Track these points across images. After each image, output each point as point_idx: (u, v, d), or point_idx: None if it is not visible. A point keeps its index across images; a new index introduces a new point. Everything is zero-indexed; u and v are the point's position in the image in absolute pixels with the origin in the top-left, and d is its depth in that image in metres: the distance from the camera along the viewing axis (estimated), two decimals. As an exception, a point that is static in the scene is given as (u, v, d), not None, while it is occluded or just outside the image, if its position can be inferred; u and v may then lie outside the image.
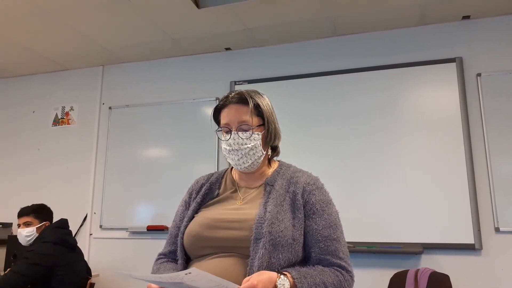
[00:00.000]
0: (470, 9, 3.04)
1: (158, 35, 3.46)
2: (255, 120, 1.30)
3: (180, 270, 1.25)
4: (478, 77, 3.04)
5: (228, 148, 1.30)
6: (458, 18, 3.17)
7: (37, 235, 2.65)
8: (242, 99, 1.30)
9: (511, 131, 2.90)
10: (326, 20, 3.22)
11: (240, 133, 1.29)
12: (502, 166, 2.88)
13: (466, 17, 3.15)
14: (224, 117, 1.32)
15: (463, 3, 2.96)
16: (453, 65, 3.08)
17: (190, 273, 1.00)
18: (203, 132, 3.59)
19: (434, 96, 3.08)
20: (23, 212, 2.69)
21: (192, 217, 1.32)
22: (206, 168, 3.39)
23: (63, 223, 2.72)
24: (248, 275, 1.10)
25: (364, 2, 2.96)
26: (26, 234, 2.65)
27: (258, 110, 1.31)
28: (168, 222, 3.42)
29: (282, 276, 1.10)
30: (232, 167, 1.42)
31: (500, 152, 2.90)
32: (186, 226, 1.30)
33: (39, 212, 2.70)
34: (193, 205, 1.35)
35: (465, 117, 2.99)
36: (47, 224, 2.69)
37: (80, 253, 2.75)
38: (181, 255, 1.28)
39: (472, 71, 3.07)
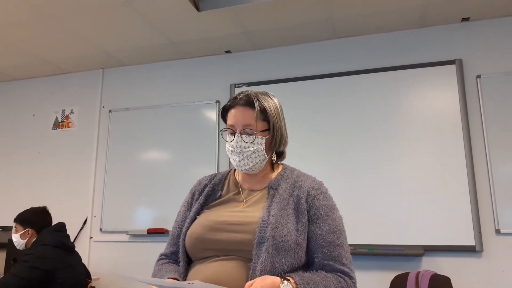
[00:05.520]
0: (469, 11, 3.05)
1: (158, 38, 3.46)
2: (260, 125, 1.29)
3: (182, 272, 1.24)
4: (478, 79, 3.04)
5: (230, 149, 1.30)
6: (458, 20, 3.17)
7: (22, 241, 2.65)
8: (249, 102, 1.29)
9: (511, 132, 2.90)
10: (326, 23, 3.22)
11: (243, 136, 1.28)
12: (502, 168, 2.88)
13: (466, 19, 3.15)
14: (230, 118, 1.31)
15: (463, 5, 2.97)
16: (453, 67, 3.08)
17: (193, 283, 1.00)
18: (203, 135, 3.59)
19: (434, 98, 3.09)
20: (15, 218, 2.72)
21: (194, 219, 1.31)
22: (206, 171, 3.37)
23: (61, 226, 2.71)
24: (251, 279, 1.09)
25: (363, 5, 2.96)
26: (14, 239, 2.68)
27: (264, 115, 1.29)
28: (169, 225, 3.42)
29: (285, 281, 1.09)
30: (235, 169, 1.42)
31: (501, 154, 2.90)
32: (188, 228, 1.29)
33: (23, 221, 2.69)
34: (195, 206, 1.34)
35: (465, 119, 2.99)
36: (29, 231, 2.66)
37: (78, 256, 2.74)
38: (182, 257, 1.27)
39: (471, 73, 3.08)
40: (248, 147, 1.28)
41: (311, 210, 1.24)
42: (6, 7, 2.95)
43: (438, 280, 2.59)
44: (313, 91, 3.38)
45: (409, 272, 2.71)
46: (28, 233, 2.65)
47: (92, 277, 3.07)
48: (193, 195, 1.40)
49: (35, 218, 2.69)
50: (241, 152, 1.28)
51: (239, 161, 1.29)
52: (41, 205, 2.82)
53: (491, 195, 2.86)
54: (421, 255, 2.85)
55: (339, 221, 1.26)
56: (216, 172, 1.48)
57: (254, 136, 1.28)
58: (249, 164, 1.29)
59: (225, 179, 1.41)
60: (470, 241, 2.80)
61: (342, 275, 1.18)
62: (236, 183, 1.37)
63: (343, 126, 3.25)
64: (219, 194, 1.36)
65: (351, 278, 1.19)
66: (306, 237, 1.21)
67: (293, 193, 1.27)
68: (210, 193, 1.37)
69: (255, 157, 1.29)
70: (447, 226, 2.86)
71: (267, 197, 1.28)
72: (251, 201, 1.30)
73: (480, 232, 2.81)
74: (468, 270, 2.81)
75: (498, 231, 2.81)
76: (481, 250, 2.80)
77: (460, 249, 2.82)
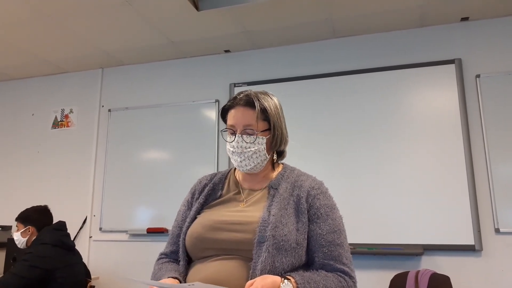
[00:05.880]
0: (468, 11, 3.05)
1: (157, 38, 3.46)
2: (261, 125, 1.29)
3: (182, 271, 1.24)
4: (477, 78, 3.05)
5: (231, 149, 1.30)
6: (457, 20, 3.18)
7: (23, 239, 2.65)
8: (249, 102, 1.29)
9: (510, 132, 2.91)
10: (325, 22, 3.22)
11: (244, 136, 1.28)
12: (501, 167, 2.88)
13: (465, 19, 3.16)
14: (231, 118, 1.31)
15: (462, 5, 2.97)
16: (452, 67, 3.09)
17: (193, 285, 1.01)
18: (203, 134, 3.59)
19: (434, 98, 3.09)
20: (16, 217, 2.73)
21: (194, 218, 1.31)
22: (206, 170, 3.39)
23: (61, 225, 2.71)
24: (251, 279, 1.09)
25: (363, 5, 2.96)
26: (15, 238, 2.68)
27: (264, 115, 1.29)
28: (168, 225, 3.42)
29: (285, 280, 1.09)
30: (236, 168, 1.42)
31: (500, 153, 2.90)
32: (188, 227, 1.29)
33: (24, 219, 2.69)
34: (195, 206, 1.34)
35: (465, 118, 3.00)
36: (30, 229, 2.66)
37: (78, 255, 2.74)
38: (182, 256, 1.27)
39: (471, 73, 3.08)
40: (249, 148, 1.28)
41: (311, 209, 1.24)
42: (6, 7, 2.94)
43: (437, 279, 2.59)
44: (312, 91, 3.38)
45: (408, 271, 2.72)
46: (29, 231, 2.65)
47: (92, 276, 3.07)
48: (193, 194, 1.40)
49: (36, 216, 2.70)
50: (242, 153, 1.28)
51: (241, 161, 1.29)
52: (41, 204, 2.82)
53: (491, 194, 2.86)
54: (420, 254, 2.86)
55: (339, 221, 1.26)
56: (216, 171, 1.48)
57: (255, 136, 1.28)
58: (250, 165, 1.29)
59: (225, 178, 1.41)
60: (470, 240, 2.80)
61: (342, 275, 1.18)
62: (237, 183, 1.37)
63: (343, 125, 3.25)
64: (219, 193, 1.36)
65: (351, 277, 1.20)
66: (306, 236, 1.21)
67: (294, 192, 1.27)
68: (211, 193, 1.37)
69: (256, 157, 1.29)
70: (447, 225, 2.86)
71: (267, 196, 1.28)
72: (252, 200, 1.30)
73: (479, 231, 2.82)
74: (467, 269, 2.82)
75: (497, 230, 2.81)
76: (481, 249, 2.80)
77: (460, 248, 2.82)
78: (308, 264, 1.23)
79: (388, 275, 2.79)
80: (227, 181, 1.40)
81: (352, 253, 1.25)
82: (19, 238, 2.66)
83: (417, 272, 2.67)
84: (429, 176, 2.97)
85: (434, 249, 2.87)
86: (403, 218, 2.96)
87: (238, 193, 1.34)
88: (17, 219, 2.71)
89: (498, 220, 2.82)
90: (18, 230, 2.68)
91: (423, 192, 2.96)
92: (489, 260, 2.80)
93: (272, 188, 1.29)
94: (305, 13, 3.08)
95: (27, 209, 2.74)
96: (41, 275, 2.40)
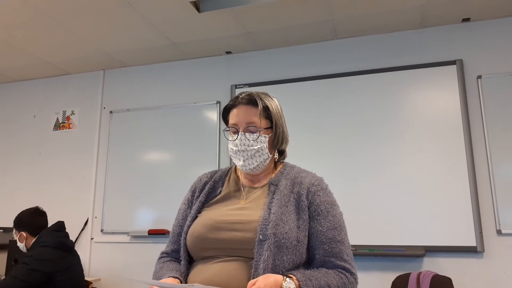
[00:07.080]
0: (470, 12, 3.05)
1: (159, 39, 3.47)
2: (263, 123, 1.30)
3: (183, 271, 1.24)
4: (479, 79, 3.04)
5: (234, 148, 1.30)
6: (458, 21, 3.17)
7: (21, 244, 2.65)
8: (251, 101, 1.30)
9: (512, 133, 2.90)
10: (327, 24, 3.23)
11: (247, 134, 1.29)
12: (503, 168, 2.87)
13: (466, 20, 3.16)
14: (233, 117, 1.32)
15: (463, 6, 2.97)
16: (453, 68, 3.08)
17: (193, 286, 1.01)
18: (204, 135, 3.59)
19: (435, 99, 3.09)
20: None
21: (195, 217, 1.31)
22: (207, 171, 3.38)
23: (60, 225, 2.70)
24: (253, 278, 1.09)
25: (364, 5, 2.96)
26: (18, 244, 2.69)
27: (267, 113, 1.31)
28: (170, 226, 3.41)
29: (287, 279, 1.09)
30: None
31: (502, 154, 2.89)
32: (189, 226, 1.28)
33: (16, 225, 2.69)
34: (196, 204, 1.34)
35: (466, 119, 2.99)
36: (23, 234, 2.65)
37: (77, 256, 2.73)
38: (184, 256, 1.27)
39: (472, 73, 3.08)
40: (252, 145, 1.28)
41: (311, 206, 1.24)
42: (7, 8, 2.95)
43: (439, 281, 2.58)
44: (314, 92, 3.38)
45: (410, 273, 2.71)
46: (24, 236, 2.64)
47: (93, 278, 3.07)
48: (193, 192, 1.40)
49: (27, 219, 2.67)
50: (245, 151, 1.28)
51: (244, 161, 1.29)
52: (42, 206, 2.82)
53: (492, 196, 2.86)
54: (422, 255, 2.85)
55: (340, 217, 1.26)
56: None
57: (258, 134, 1.28)
58: (253, 164, 1.29)
59: (226, 176, 1.41)
60: (471, 242, 2.79)
61: (343, 271, 1.18)
62: (237, 180, 1.37)
63: (344, 127, 3.25)
64: (219, 190, 1.36)
65: (352, 274, 1.20)
66: (307, 233, 1.21)
67: (294, 189, 1.27)
68: (211, 191, 1.37)
69: (259, 155, 1.29)
70: (448, 227, 2.85)
71: (267, 193, 1.28)
72: (252, 197, 1.30)
73: (481, 232, 2.81)
74: (469, 271, 2.81)
75: (499, 232, 2.81)
76: (482, 251, 2.79)
77: (462, 250, 2.81)
78: (309, 262, 1.23)
79: (389, 277, 2.79)
80: (227, 178, 1.40)
81: (353, 254, 1.25)
82: (19, 244, 2.67)
83: (419, 274, 2.66)
84: (431, 177, 2.97)
85: (435, 250, 2.86)
86: (405, 219, 2.95)
87: (238, 190, 1.34)
88: (13, 227, 2.71)
89: (500, 221, 2.81)
90: (15, 236, 2.69)
91: (424, 193, 2.95)
92: (491, 262, 2.79)
93: (272, 185, 1.29)
94: (306, 14, 3.08)
95: (18, 214, 2.72)
96: (41, 278, 2.40)
